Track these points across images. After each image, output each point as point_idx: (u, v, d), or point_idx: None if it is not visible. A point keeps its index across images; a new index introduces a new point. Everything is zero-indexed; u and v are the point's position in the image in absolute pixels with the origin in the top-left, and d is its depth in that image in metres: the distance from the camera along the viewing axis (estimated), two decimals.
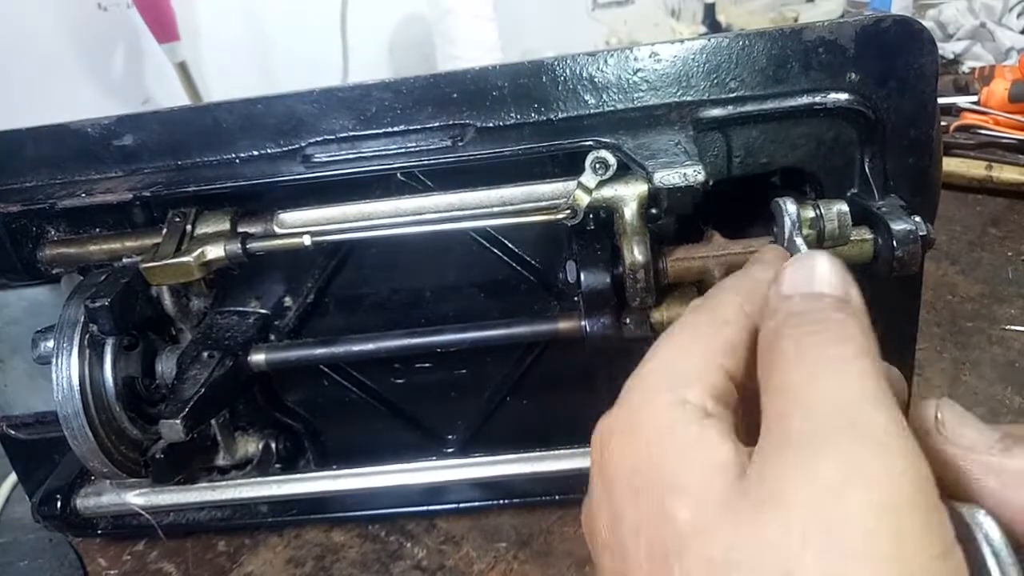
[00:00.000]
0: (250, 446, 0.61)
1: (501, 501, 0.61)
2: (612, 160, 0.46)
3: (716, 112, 0.47)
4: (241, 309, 0.59)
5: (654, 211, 0.48)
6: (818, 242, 0.45)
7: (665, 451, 0.27)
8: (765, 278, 0.31)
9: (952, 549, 0.22)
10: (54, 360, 0.51)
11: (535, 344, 0.59)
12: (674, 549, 0.25)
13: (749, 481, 0.24)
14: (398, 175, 0.53)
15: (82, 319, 0.51)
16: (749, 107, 0.47)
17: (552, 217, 0.48)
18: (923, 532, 0.21)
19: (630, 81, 0.48)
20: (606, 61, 0.48)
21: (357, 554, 0.60)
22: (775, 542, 0.22)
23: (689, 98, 0.48)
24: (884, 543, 0.21)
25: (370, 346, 0.55)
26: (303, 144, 0.50)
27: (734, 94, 0.47)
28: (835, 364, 0.25)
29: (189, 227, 0.52)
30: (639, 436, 0.28)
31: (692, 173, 0.44)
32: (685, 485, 0.25)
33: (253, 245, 0.50)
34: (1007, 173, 1.04)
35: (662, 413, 0.28)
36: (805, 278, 0.29)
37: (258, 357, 0.56)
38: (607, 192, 0.47)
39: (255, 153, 0.51)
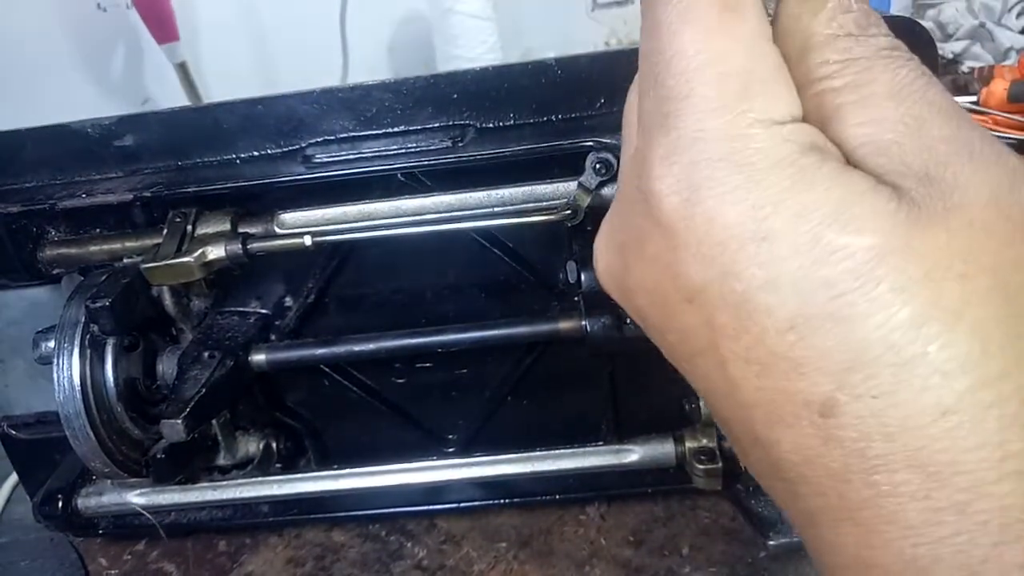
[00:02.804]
0: (251, 446, 0.61)
1: (501, 501, 0.61)
2: (613, 160, 0.46)
3: None
4: (242, 309, 0.59)
5: None
6: None
7: (802, 181, 0.22)
8: None
9: None
10: (55, 360, 0.51)
11: (536, 344, 0.59)
12: (856, 280, 0.20)
13: (909, 190, 0.21)
14: (398, 175, 0.53)
15: (83, 319, 0.51)
16: None
17: (553, 217, 0.48)
18: None
19: (631, 81, 0.48)
20: (606, 61, 0.48)
21: (357, 554, 0.60)
22: (975, 241, 0.21)
23: None
24: None
25: (371, 346, 0.56)
26: (303, 144, 0.50)
27: None
28: (923, 75, 0.24)
29: (190, 227, 0.52)
30: (748, 173, 0.22)
31: None
32: (851, 209, 0.21)
33: (254, 245, 0.51)
34: None
35: (766, 148, 0.22)
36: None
37: (259, 357, 0.56)
38: (608, 192, 0.47)
39: (256, 153, 0.51)
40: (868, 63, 0.23)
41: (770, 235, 0.21)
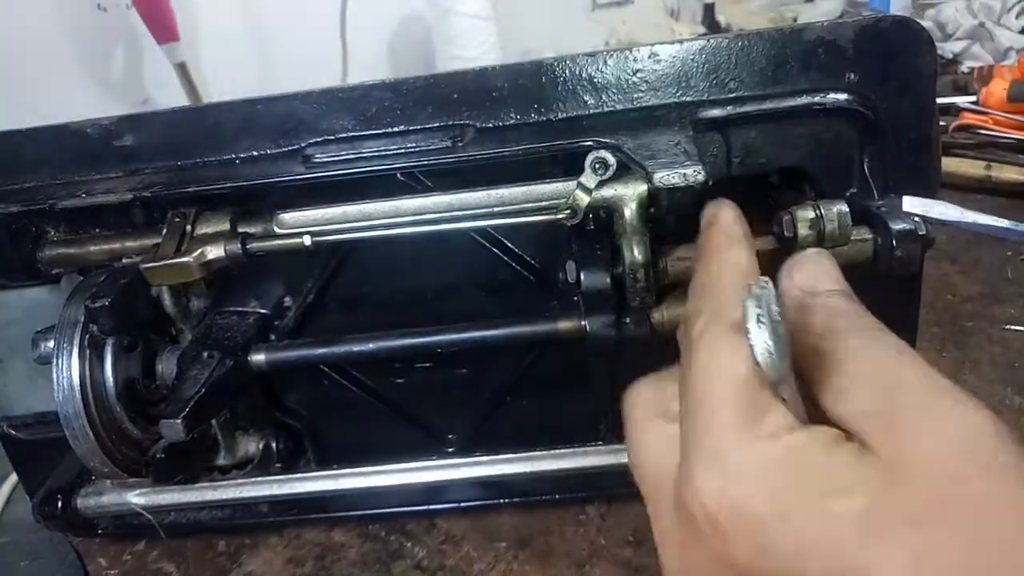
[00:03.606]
0: (251, 446, 0.61)
1: (501, 501, 0.61)
2: (612, 160, 0.46)
3: (716, 112, 0.47)
4: (241, 309, 0.59)
5: (654, 211, 0.48)
6: (818, 242, 0.45)
7: (800, 469, 0.28)
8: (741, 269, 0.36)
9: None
10: (54, 360, 0.51)
11: (535, 344, 0.59)
12: (857, 535, 0.26)
13: (885, 453, 0.27)
14: (398, 175, 0.53)
15: (82, 319, 0.51)
16: (748, 107, 0.47)
17: (552, 217, 0.48)
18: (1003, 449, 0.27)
19: (630, 81, 0.48)
20: (606, 61, 0.48)
21: (357, 554, 0.60)
22: (943, 487, 0.26)
23: (689, 98, 0.48)
24: (994, 462, 0.26)
25: (370, 346, 0.56)
26: (303, 144, 0.50)
27: (734, 94, 0.48)
28: (894, 350, 0.31)
29: (189, 227, 0.52)
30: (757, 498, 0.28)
31: (692, 173, 0.44)
32: (839, 480, 0.27)
33: (253, 245, 0.50)
34: (1006, 173, 1.04)
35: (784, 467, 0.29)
36: (819, 276, 0.37)
37: (258, 357, 0.56)
38: (607, 192, 0.47)
39: (255, 153, 0.51)
40: (852, 350, 0.31)
41: (786, 513, 0.27)
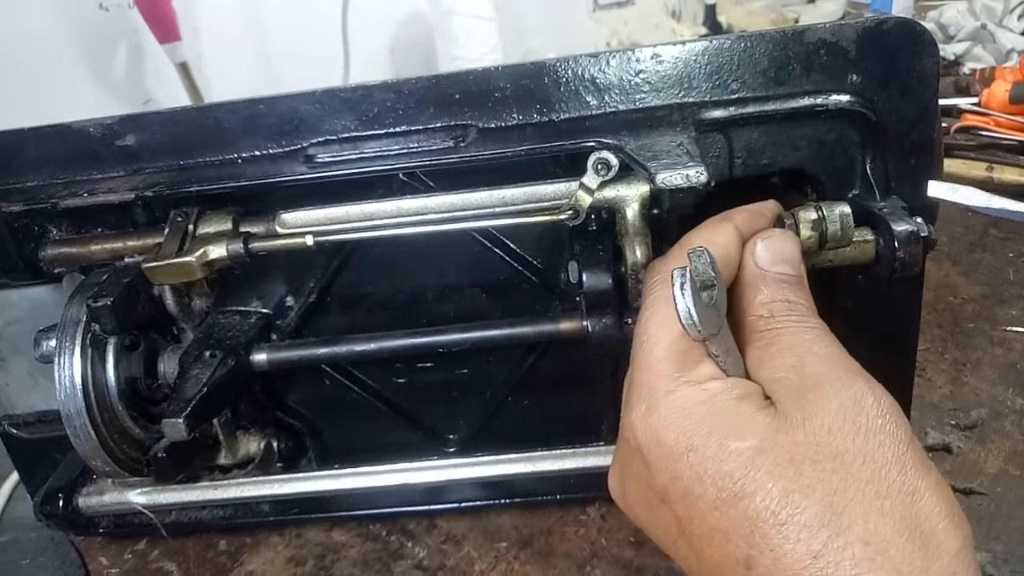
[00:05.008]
0: (252, 445, 0.61)
1: (502, 501, 0.61)
2: (614, 161, 0.46)
3: (718, 113, 0.47)
4: (243, 309, 0.59)
5: (656, 212, 0.48)
6: (820, 244, 0.45)
7: (711, 413, 0.34)
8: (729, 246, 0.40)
9: (913, 439, 0.32)
10: (56, 359, 0.51)
11: (537, 344, 0.59)
12: (744, 469, 0.32)
13: (783, 409, 0.34)
14: (400, 175, 0.53)
15: (84, 318, 0.51)
16: (751, 108, 0.47)
17: (554, 217, 0.48)
18: (900, 421, 0.33)
19: (632, 82, 0.48)
20: (608, 62, 0.48)
21: (358, 553, 0.60)
22: (823, 438, 0.32)
23: (691, 99, 0.48)
24: (888, 425, 0.32)
25: (372, 346, 0.56)
26: (305, 144, 0.50)
27: (736, 95, 0.48)
28: (814, 332, 0.37)
29: (191, 227, 0.52)
30: (677, 412, 0.35)
31: (694, 174, 0.44)
32: (740, 425, 0.33)
33: (255, 245, 0.51)
34: (1008, 174, 1.04)
35: (687, 395, 0.35)
36: (777, 257, 0.40)
37: (260, 356, 0.56)
38: (609, 193, 0.47)
39: (257, 153, 0.51)
40: (780, 328, 0.37)
41: (694, 447, 0.33)
